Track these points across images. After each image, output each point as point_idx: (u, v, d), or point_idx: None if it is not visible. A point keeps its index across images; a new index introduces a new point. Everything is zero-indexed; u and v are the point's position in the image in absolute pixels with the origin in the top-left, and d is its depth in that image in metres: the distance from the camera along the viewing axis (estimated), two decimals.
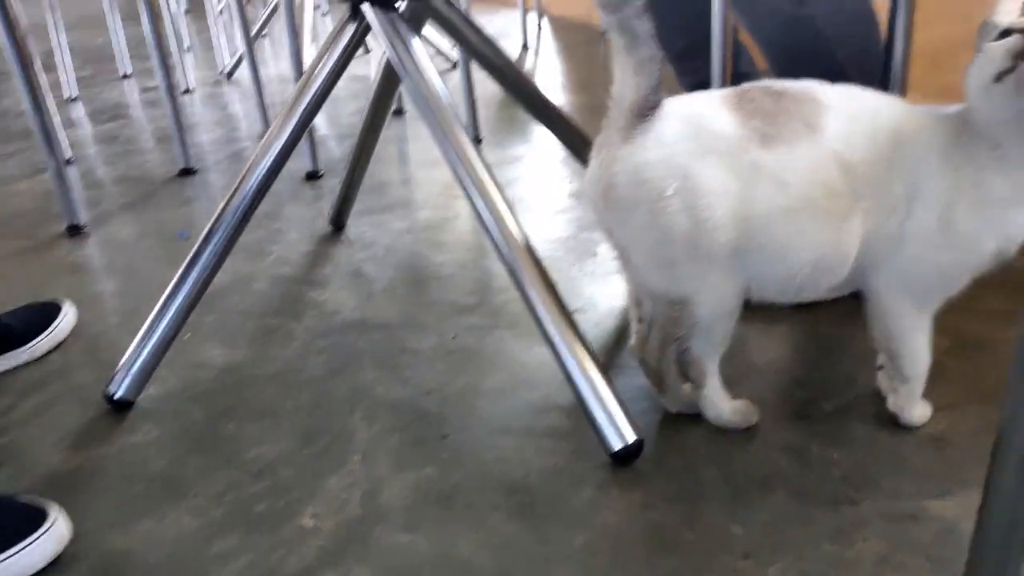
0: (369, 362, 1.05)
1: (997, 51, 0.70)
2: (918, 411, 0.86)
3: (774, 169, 0.74)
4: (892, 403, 0.86)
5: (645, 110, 0.76)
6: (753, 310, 1.11)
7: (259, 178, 1.10)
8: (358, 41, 1.24)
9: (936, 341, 0.82)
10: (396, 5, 1.13)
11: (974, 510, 0.75)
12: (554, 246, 1.38)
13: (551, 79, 2.75)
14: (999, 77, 0.69)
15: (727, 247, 0.77)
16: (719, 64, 1.35)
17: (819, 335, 1.07)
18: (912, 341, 0.81)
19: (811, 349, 1.04)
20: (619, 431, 0.84)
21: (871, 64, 1.06)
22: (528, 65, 2.98)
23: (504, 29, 3.75)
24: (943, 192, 0.74)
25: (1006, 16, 0.70)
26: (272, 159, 1.19)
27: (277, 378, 1.03)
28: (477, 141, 2.02)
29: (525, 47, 3.24)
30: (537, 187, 1.68)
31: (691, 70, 1.50)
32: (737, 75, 1.41)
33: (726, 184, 0.75)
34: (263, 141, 1.12)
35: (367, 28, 1.19)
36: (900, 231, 0.76)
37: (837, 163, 0.75)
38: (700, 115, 0.77)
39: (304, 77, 1.28)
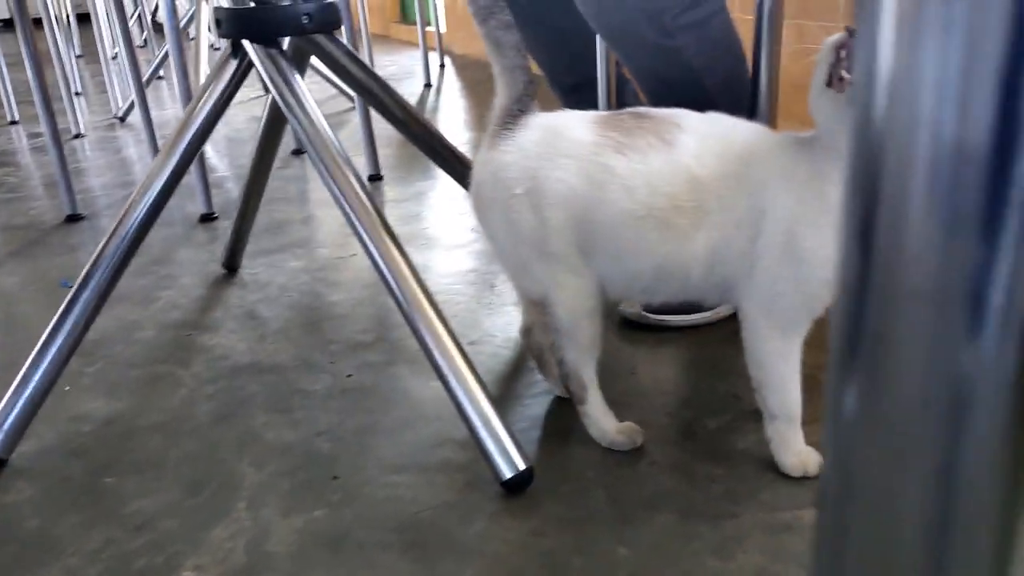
0: (259, 406, 1.03)
1: (823, 52, 0.74)
2: (791, 459, 0.83)
3: (623, 174, 0.78)
4: (771, 447, 0.84)
5: (510, 118, 0.83)
6: (642, 334, 1.15)
7: (139, 219, 1.06)
8: (240, 78, 1.23)
9: (808, 354, 0.85)
10: (279, 42, 1.13)
11: None
12: (454, 279, 1.39)
13: (453, 117, 2.79)
14: (828, 80, 0.73)
15: (575, 247, 0.81)
16: (604, 97, 1.41)
17: (704, 356, 1.10)
18: (777, 369, 0.81)
19: (696, 370, 1.07)
20: (510, 460, 0.84)
21: (739, 93, 1.11)
22: (430, 103, 3.01)
23: (408, 68, 3.79)
24: (790, 207, 0.76)
25: None
26: (152, 199, 1.15)
27: (162, 428, 1.00)
28: (377, 178, 2.02)
29: (428, 85, 3.28)
30: (439, 222, 1.69)
31: (580, 103, 1.55)
32: (622, 107, 1.47)
33: (575, 187, 0.79)
34: (143, 181, 1.09)
35: (250, 65, 1.18)
36: (753, 248, 0.79)
37: (686, 177, 0.78)
38: (561, 125, 0.82)
39: (185, 115, 1.26)
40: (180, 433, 0.98)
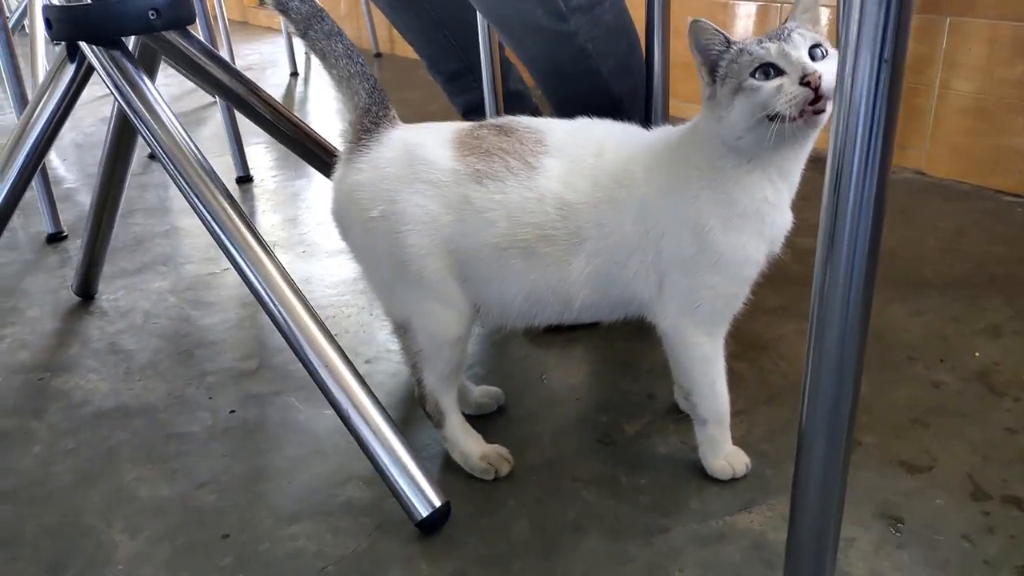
0: (129, 458, 0.90)
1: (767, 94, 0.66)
2: (719, 463, 0.81)
3: (483, 206, 0.74)
4: (700, 451, 0.82)
5: (363, 133, 0.77)
6: (550, 335, 1.10)
7: None
8: (80, 83, 1.09)
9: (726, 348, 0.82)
10: (122, 42, 0.99)
11: (778, 518, 0.76)
12: (341, 290, 1.29)
13: (325, 106, 2.64)
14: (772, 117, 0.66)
15: (440, 274, 0.76)
16: (489, 84, 1.33)
17: (615, 352, 1.06)
18: (707, 375, 0.78)
19: (608, 368, 1.03)
20: (424, 497, 0.77)
21: (633, 78, 1.07)
22: (299, 93, 2.84)
23: (271, 56, 3.58)
24: (691, 221, 0.72)
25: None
26: None
27: (15, 495, 0.86)
28: (247, 180, 1.88)
29: (295, 74, 3.09)
30: (319, 226, 1.57)
31: (463, 91, 1.47)
32: (508, 93, 1.40)
33: (435, 214, 0.74)
34: None
35: (91, 69, 1.03)
36: (658, 267, 0.74)
37: (555, 204, 0.73)
38: (418, 144, 0.76)
39: (18, 128, 1.10)
40: (36, 500, 0.85)
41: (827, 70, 0.65)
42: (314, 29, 0.77)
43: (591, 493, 0.81)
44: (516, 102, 1.41)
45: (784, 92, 0.65)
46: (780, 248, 0.76)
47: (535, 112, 1.45)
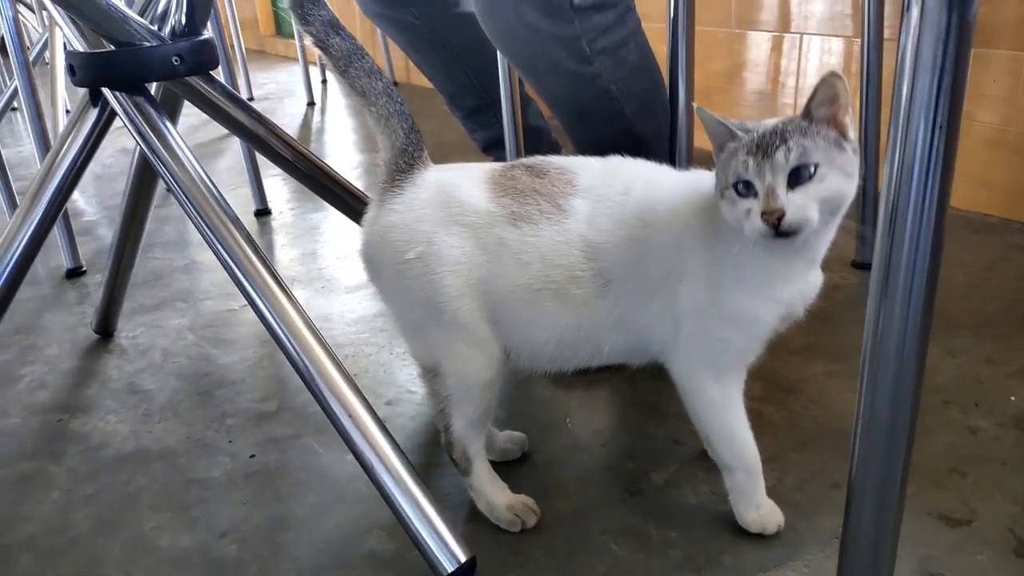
0: (148, 504, 0.89)
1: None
2: (751, 515, 0.78)
3: (517, 248, 0.73)
4: (731, 501, 0.79)
5: (398, 173, 0.76)
6: (573, 377, 1.08)
7: None
8: (103, 128, 1.09)
9: (751, 387, 0.80)
10: (145, 87, 0.99)
11: (813, 575, 0.74)
12: (360, 327, 1.28)
13: (341, 137, 2.65)
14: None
15: (473, 315, 0.75)
16: (510, 120, 1.33)
17: (638, 394, 1.04)
18: (722, 422, 0.76)
19: (633, 412, 1.01)
20: (448, 551, 0.75)
21: (657, 118, 1.06)
22: (315, 124, 2.86)
23: (288, 86, 3.61)
24: (705, 272, 0.71)
25: None
26: (12, 264, 1.01)
27: (33, 544, 0.85)
28: (265, 212, 1.88)
29: (311, 104, 3.11)
30: (337, 260, 1.57)
31: (483, 126, 1.47)
32: (528, 128, 1.40)
33: (471, 256, 0.73)
34: None
35: (114, 113, 1.04)
36: (675, 311, 0.73)
37: (580, 246, 0.73)
38: (453, 185, 0.75)
39: (42, 170, 1.11)
40: (55, 549, 0.84)
41: (796, 204, 0.62)
42: (354, 67, 0.76)
43: (620, 547, 0.78)
44: (535, 137, 1.41)
45: (751, 219, 0.64)
46: (803, 311, 0.73)
47: (554, 147, 1.45)
